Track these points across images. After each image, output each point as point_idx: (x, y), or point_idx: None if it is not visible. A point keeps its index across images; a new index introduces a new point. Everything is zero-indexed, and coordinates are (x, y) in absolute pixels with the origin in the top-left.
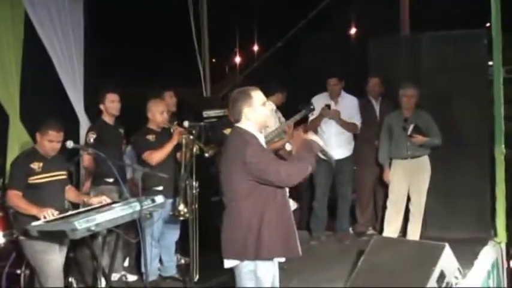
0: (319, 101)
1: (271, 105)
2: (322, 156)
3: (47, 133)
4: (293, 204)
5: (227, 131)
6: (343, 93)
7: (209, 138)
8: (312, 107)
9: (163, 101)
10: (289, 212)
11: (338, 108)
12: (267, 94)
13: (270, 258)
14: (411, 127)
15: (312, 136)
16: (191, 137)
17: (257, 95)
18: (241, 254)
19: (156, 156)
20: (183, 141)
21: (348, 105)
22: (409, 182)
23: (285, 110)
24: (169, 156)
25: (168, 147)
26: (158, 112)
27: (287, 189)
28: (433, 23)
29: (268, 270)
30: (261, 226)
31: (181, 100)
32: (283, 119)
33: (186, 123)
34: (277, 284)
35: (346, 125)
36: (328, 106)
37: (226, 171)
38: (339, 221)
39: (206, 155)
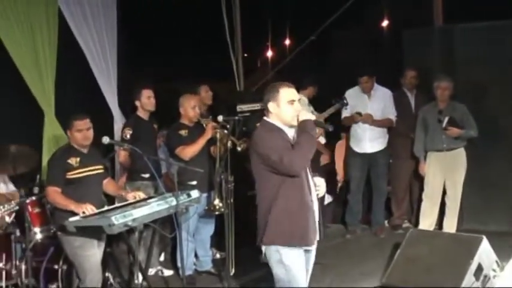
0: (352, 95)
1: (299, 106)
2: (324, 139)
3: (73, 124)
4: (328, 198)
5: None
6: (376, 86)
7: (243, 133)
8: (345, 101)
9: (195, 95)
10: (304, 201)
11: (372, 102)
12: (299, 88)
13: (288, 245)
14: (446, 119)
15: (302, 115)
16: (225, 131)
17: (285, 92)
18: (262, 240)
19: (189, 151)
20: (217, 135)
21: (382, 98)
22: (444, 174)
23: (318, 103)
24: (204, 151)
25: (201, 142)
26: (190, 107)
27: (305, 177)
28: (467, 13)
29: (293, 258)
30: (271, 213)
31: (215, 95)
32: (316, 113)
33: (220, 118)
34: (305, 273)
35: (381, 123)
36: (359, 113)
37: (251, 163)
38: (374, 215)
39: (238, 149)
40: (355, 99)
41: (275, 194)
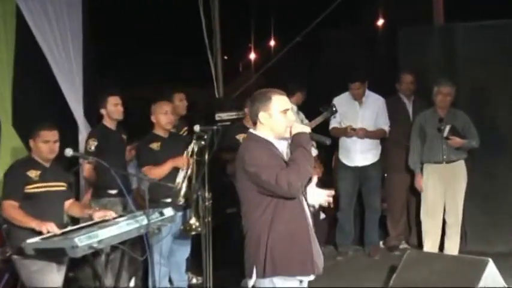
0: (341, 102)
1: (293, 116)
2: (314, 146)
3: (40, 134)
4: (321, 214)
5: (240, 136)
6: (368, 93)
7: (222, 144)
8: (334, 109)
9: (169, 102)
10: (305, 224)
11: (363, 110)
12: (287, 94)
13: (283, 276)
14: (448, 128)
15: (294, 127)
16: (203, 142)
17: (278, 100)
18: (256, 271)
19: (155, 174)
20: (194, 147)
21: (374, 106)
22: (444, 189)
23: (306, 110)
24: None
25: (167, 167)
26: (162, 113)
27: (303, 198)
28: (469, 11)
29: None
30: (269, 240)
31: (192, 102)
32: (306, 121)
33: (196, 128)
34: None
35: (373, 135)
36: (353, 129)
37: (237, 183)
38: (368, 234)
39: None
40: (344, 107)
41: (270, 218)
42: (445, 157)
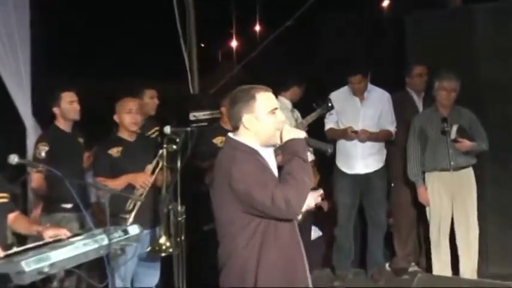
0: (339, 99)
1: (282, 116)
2: (309, 150)
3: None
4: (315, 231)
5: (217, 140)
6: (371, 87)
7: (197, 148)
8: (329, 104)
9: (135, 99)
10: (298, 249)
11: (365, 107)
12: (280, 89)
13: None
14: (455, 129)
15: (287, 131)
16: (174, 146)
17: (264, 98)
18: None
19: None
20: (164, 152)
21: (378, 103)
22: (452, 201)
23: (302, 107)
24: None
25: (121, 183)
26: (125, 112)
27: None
28: None
29: None
30: (259, 269)
31: (162, 98)
32: (301, 120)
33: (167, 129)
34: None
35: (377, 137)
36: (355, 132)
37: (216, 199)
38: (371, 254)
39: None
40: (343, 104)
41: (259, 243)
42: (452, 163)
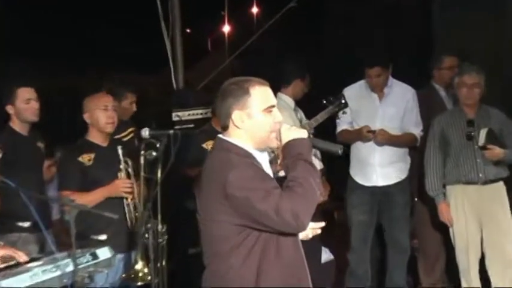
0: (354, 96)
1: (280, 115)
2: (317, 157)
3: None
4: (325, 253)
5: (208, 145)
6: (393, 82)
7: (183, 154)
8: (343, 101)
9: (107, 96)
10: (303, 267)
11: (384, 106)
12: (280, 84)
13: None
14: (483, 133)
15: (286, 130)
16: (154, 153)
17: (259, 93)
18: None
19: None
20: (141, 160)
21: (401, 101)
22: (480, 220)
23: (308, 106)
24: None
25: (97, 197)
26: (99, 108)
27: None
28: None
29: None
30: None
31: (139, 94)
32: (306, 121)
33: (145, 132)
34: None
35: (400, 141)
36: (371, 132)
37: (204, 212)
38: (391, 282)
39: None
40: (358, 102)
41: (257, 262)
42: (481, 175)
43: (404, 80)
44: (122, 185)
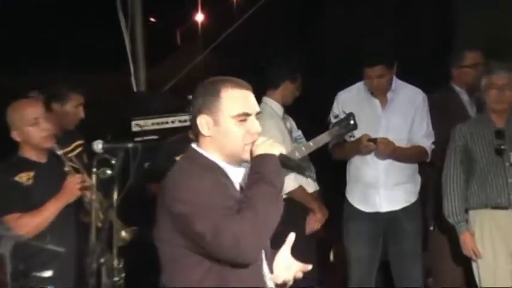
0: (351, 101)
1: (258, 127)
2: (312, 178)
3: None
4: None
5: None
6: (398, 84)
7: (152, 169)
8: (351, 121)
9: (37, 103)
10: None
11: (388, 113)
12: (266, 86)
13: None
14: None
15: (259, 144)
16: (109, 171)
17: (232, 97)
18: None
19: (29, 225)
20: (93, 180)
21: (408, 107)
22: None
23: (299, 113)
24: (67, 214)
25: (52, 210)
26: (28, 123)
27: (262, 261)
28: None
29: None
30: None
31: (90, 98)
32: (302, 140)
33: (98, 145)
34: None
35: (406, 154)
36: (372, 140)
37: (155, 229)
38: None
39: (123, 234)
40: (356, 109)
41: None
42: None
43: (416, 81)
44: (75, 183)
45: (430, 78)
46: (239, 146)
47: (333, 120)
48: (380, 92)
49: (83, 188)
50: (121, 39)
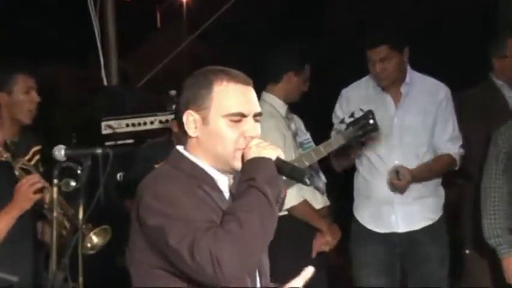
0: (356, 96)
1: (257, 129)
2: (321, 190)
3: None
4: None
5: None
6: (414, 76)
7: (129, 178)
8: (371, 121)
9: None
10: None
11: (405, 112)
12: (265, 79)
13: None
14: None
15: (252, 147)
16: (73, 183)
17: (226, 92)
18: None
19: None
20: (53, 193)
21: (427, 103)
22: None
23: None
24: (20, 231)
25: (6, 221)
26: None
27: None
28: None
29: None
30: None
31: (50, 93)
32: (309, 144)
33: (60, 152)
34: None
35: (431, 171)
36: (395, 171)
37: (128, 254)
38: None
39: (87, 247)
40: (364, 107)
41: None
42: None
43: (448, 74)
44: (28, 185)
45: (466, 71)
46: (229, 151)
47: (348, 120)
48: (386, 81)
49: (39, 191)
50: (89, 23)
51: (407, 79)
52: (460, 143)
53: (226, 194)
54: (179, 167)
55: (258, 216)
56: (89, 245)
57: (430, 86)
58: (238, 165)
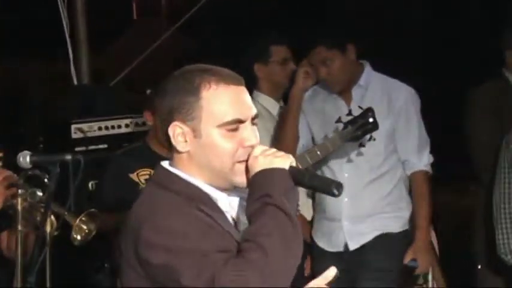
0: (313, 107)
1: (256, 135)
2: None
3: None
4: None
5: (140, 175)
6: (371, 77)
7: (99, 191)
8: (370, 119)
9: None
10: None
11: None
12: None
13: None
14: None
15: (257, 155)
16: (39, 193)
17: (217, 97)
18: None
19: None
20: (17, 204)
21: (384, 107)
22: None
23: None
24: None
25: None
26: None
27: None
28: None
29: None
30: None
31: (15, 94)
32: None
33: (24, 158)
34: None
35: (426, 204)
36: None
37: (120, 279)
38: None
39: (77, 238)
40: (317, 112)
41: None
42: None
43: (457, 67)
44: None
45: (476, 65)
46: (227, 165)
47: (345, 119)
48: (339, 87)
49: (10, 186)
50: (56, 14)
51: (362, 81)
52: (429, 148)
53: (228, 215)
54: (171, 188)
55: (281, 239)
56: (78, 237)
57: (389, 88)
58: (239, 180)
